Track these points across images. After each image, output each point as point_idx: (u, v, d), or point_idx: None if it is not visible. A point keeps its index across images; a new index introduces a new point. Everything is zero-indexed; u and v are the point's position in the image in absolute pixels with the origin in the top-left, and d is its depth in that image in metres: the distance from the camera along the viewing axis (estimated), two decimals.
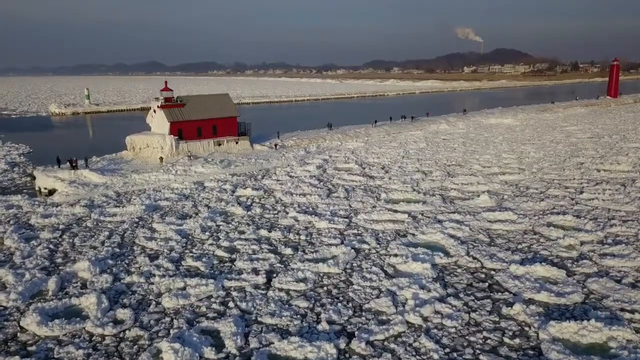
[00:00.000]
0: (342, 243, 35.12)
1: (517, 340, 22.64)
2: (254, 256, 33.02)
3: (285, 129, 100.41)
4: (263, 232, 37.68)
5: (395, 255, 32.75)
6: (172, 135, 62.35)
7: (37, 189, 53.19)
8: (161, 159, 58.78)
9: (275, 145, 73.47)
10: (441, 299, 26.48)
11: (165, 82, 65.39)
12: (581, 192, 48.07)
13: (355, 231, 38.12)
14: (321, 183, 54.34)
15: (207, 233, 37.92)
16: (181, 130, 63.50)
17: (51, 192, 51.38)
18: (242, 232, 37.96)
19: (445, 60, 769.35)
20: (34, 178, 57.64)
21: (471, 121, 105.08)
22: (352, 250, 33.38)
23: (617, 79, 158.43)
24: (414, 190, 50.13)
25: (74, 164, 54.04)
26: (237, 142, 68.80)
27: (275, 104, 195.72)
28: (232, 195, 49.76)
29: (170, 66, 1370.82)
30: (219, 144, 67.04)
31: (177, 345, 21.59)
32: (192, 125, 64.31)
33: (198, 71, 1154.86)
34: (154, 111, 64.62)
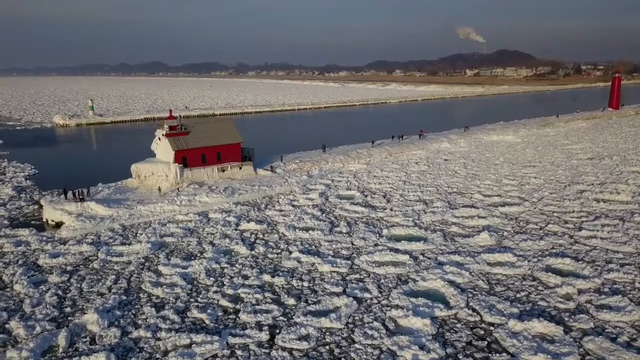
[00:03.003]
0: (344, 292, 35.86)
1: None
2: (257, 307, 33.78)
3: (288, 142, 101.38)
4: (266, 278, 38.44)
5: (397, 306, 33.46)
6: (176, 164, 63.18)
7: (44, 220, 54.07)
8: (159, 189, 59.61)
9: (272, 167, 74.12)
10: None
11: (170, 111, 66.32)
12: (580, 229, 48.65)
13: (357, 275, 38.85)
14: (324, 214, 55.07)
15: (211, 278, 38.69)
16: (186, 158, 64.35)
17: (58, 224, 52.30)
18: (246, 277, 38.73)
19: (448, 61, 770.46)
20: (41, 206, 58.60)
21: (473, 138, 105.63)
22: (354, 302, 34.10)
23: (619, 91, 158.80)
24: (415, 224, 50.83)
25: (80, 197, 54.85)
26: (240, 168, 69.58)
27: (277, 112, 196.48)
28: (236, 229, 50.54)
29: (173, 66, 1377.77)
30: (223, 170, 67.83)
31: None
32: (197, 152, 65.15)
33: (201, 71, 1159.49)
34: (159, 139, 65.46)
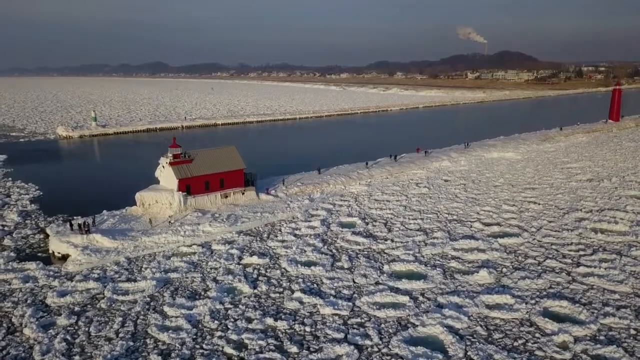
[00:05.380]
0: (345, 338, 36.73)
1: None
2: (261, 355, 34.66)
3: (288, 156, 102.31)
4: (269, 321, 39.29)
5: (396, 355, 34.34)
6: (180, 192, 64.10)
7: (51, 252, 54.99)
8: (150, 221, 60.27)
9: (267, 189, 74.98)
10: None
11: (174, 139, 67.03)
12: (578, 265, 49.49)
13: (358, 319, 39.70)
14: (325, 246, 55.92)
15: (216, 321, 39.55)
16: (189, 186, 65.24)
17: (65, 256, 53.25)
18: (250, 320, 39.60)
19: (449, 62, 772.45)
20: (46, 236, 59.57)
21: (473, 156, 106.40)
22: (355, 350, 34.96)
23: (619, 103, 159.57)
24: (416, 259, 51.66)
25: (85, 229, 55.77)
26: (243, 193, 70.47)
27: (279, 121, 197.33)
28: (238, 263, 51.42)
29: (175, 67, 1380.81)
30: (226, 196, 68.73)
31: None
32: (200, 180, 66.04)
33: (202, 72, 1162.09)
34: (163, 167, 66.38)
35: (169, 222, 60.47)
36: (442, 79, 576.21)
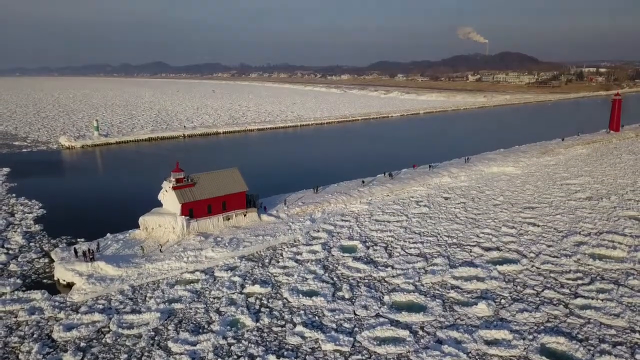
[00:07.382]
0: None
1: None
2: None
3: (288, 171, 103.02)
4: (272, 358, 39.98)
5: None
6: (183, 216, 64.87)
7: (56, 279, 55.77)
8: (142, 248, 60.83)
9: (265, 208, 75.73)
10: None
11: (177, 163, 67.76)
12: (575, 296, 50.18)
13: (359, 356, 40.43)
14: (326, 274, 56.65)
15: (219, 358, 40.28)
16: (192, 210, 66.01)
17: (70, 284, 54.05)
18: (252, 358, 40.32)
19: (450, 63, 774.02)
20: (51, 260, 60.37)
21: (473, 171, 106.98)
22: None
23: (619, 113, 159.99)
24: (416, 288, 52.40)
25: (90, 256, 56.53)
26: (245, 215, 71.23)
27: (280, 129, 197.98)
28: (241, 292, 52.18)
29: (175, 67, 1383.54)
30: (228, 219, 69.50)
31: None
32: (203, 203, 66.81)
33: (203, 72, 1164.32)
34: (166, 190, 67.11)
35: (160, 250, 60.84)
36: (443, 81, 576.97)
